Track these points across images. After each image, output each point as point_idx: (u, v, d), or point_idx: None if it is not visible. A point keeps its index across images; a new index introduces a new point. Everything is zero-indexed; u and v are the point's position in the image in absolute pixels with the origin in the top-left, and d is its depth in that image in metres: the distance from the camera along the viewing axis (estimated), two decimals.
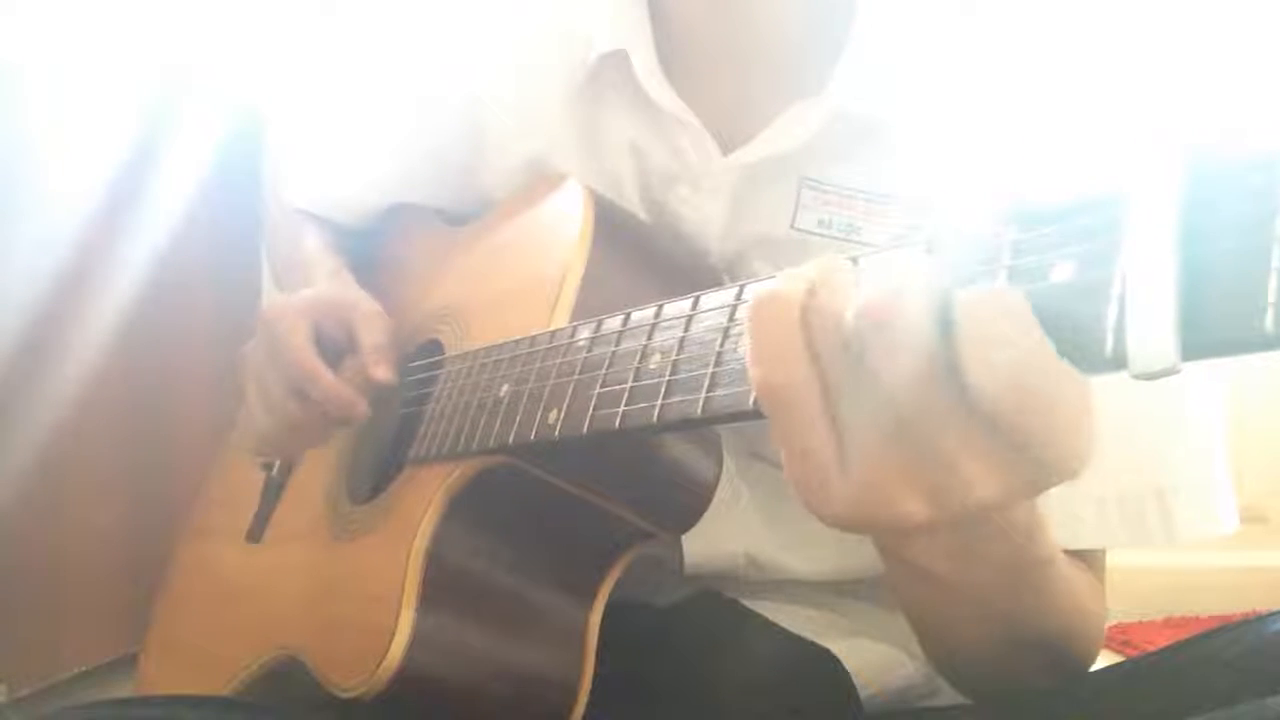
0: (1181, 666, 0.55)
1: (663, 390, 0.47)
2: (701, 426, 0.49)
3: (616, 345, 0.51)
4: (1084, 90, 0.62)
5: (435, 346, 0.72)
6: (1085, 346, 0.33)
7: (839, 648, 0.71)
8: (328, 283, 0.79)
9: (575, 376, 0.53)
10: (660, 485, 0.62)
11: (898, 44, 0.65)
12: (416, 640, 0.58)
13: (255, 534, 0.83)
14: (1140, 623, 1.72)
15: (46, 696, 1.20)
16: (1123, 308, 0.32)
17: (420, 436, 0.65)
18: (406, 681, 0.58)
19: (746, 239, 0.70)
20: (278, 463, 0.84)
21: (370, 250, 0.88)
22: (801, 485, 0.40)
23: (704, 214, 0.70)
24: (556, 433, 0.53)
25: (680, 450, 0.61)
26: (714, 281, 0.53)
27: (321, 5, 1.08)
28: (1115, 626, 1.66)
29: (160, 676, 0.91)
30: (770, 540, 0.72)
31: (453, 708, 0.60)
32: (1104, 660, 0.63)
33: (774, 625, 0.72)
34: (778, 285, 0.39)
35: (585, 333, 0.54)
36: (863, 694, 0.71)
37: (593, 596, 0.63)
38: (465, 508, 0.61)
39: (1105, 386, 0.35)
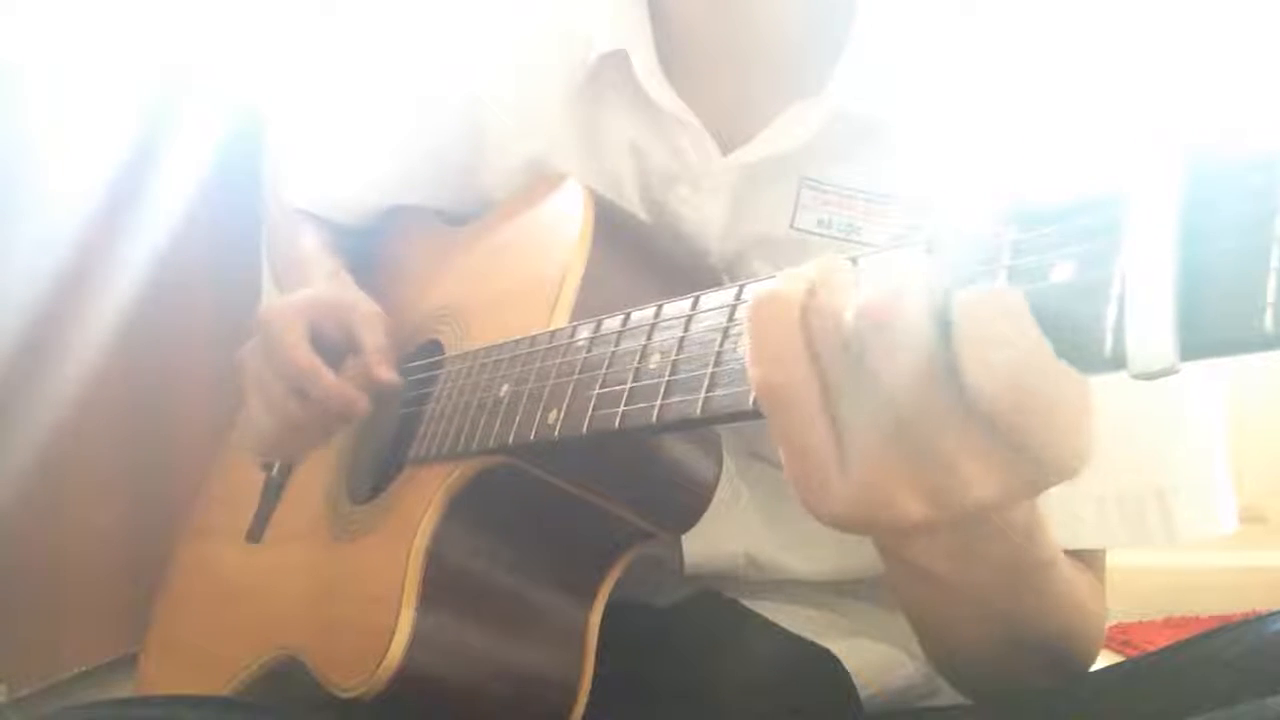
0: (1181, 666, 0.55)
1: (662, 390, 0.47)
2: (701, 426, 0.49)
3: (616, 345, 0.51)
4: (1084, 90, 0.62)
5: (435, 347, 0.72)
6: (1084, 346, 0.33)
7: (839, 648, 0.71)
8: (325, 283, 0.79)
9: (575, 376, 0.53)
10: (660, 485, 0.62)
11: (898, 44, 0.65)
12: (416, 640, 0.58)
13: (255, 534, 0.83)
14: (1140, 623, 1.72)
15: (46, 696, 1.20)
16: (1122, 308, 0.32)
17: (420, 436, 0.65)
18: (406, 681, 0.58)
19: (746, 239, 0.70)
20: (278, 463, 0.84)
21: (370, 250, 0.88)
22: (801, 485, 0.40)
23: (704, 214, 0.70)
24: (556, 433, 0.53)
25: (680, 450, 0.61)
26: (714, 281, 0.53)
27: (321, 5, 1.08)
28: (1115, 626, 1.66)
29: (160, 676, 0.91)
30: (770, 540, 0.72)
31: (453, 708, 0.60)
32: (1104, 660, 0.63)
33: (774, 625, 0.72)
34: (777, 285, 0.39)
35: (585, 333, 0.54)
36: (863, 694, 0.71)
37: (593, 596, 0.63)
38: (465, 508, 0.61)
39: (1105, 386, 0.35)
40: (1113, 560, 0.66)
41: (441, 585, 0.60)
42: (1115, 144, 0.58)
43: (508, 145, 0.76)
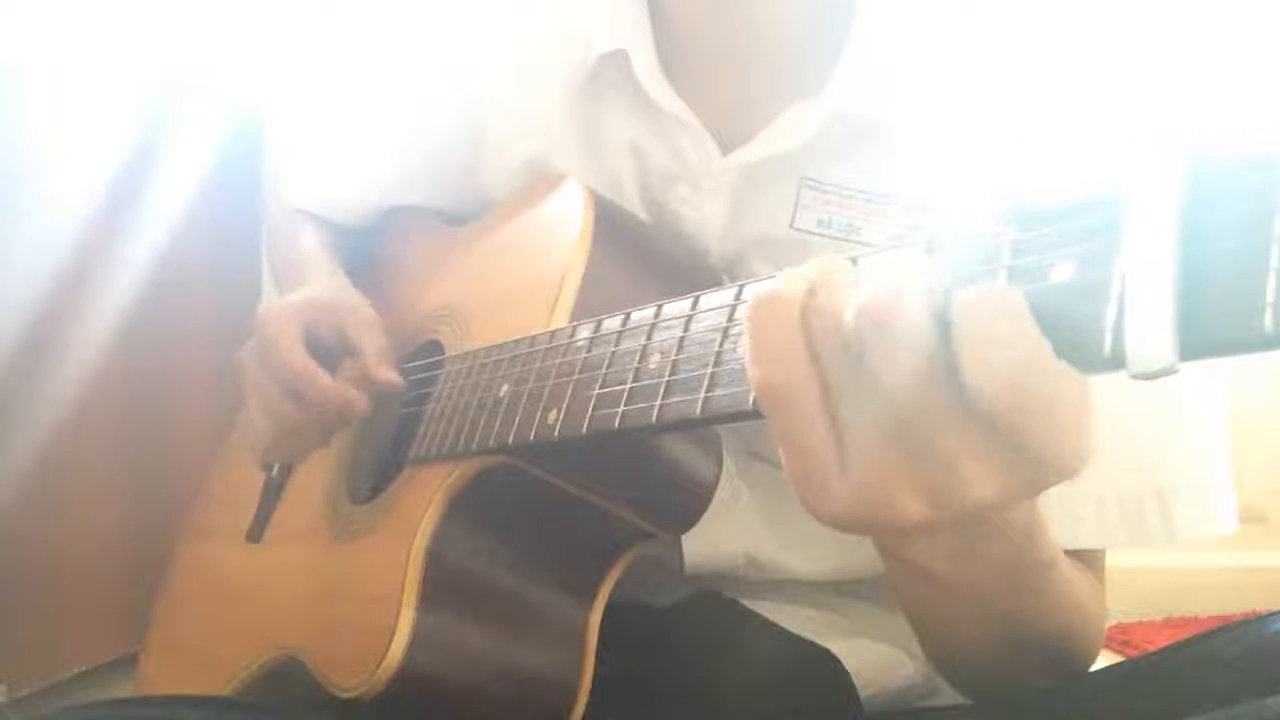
0: (1181, 666, 0.55)
1: (662, 390, 0.47)
2: (701, 426, 0.49)
3: (616, 345, 0.51)
4: (1084, 90, 0.62)
5: (435, 347, 0.72)
6: (1084, 346, 0.33)
7: (839, 648, 0.71)
8: (322, 284, 0.79)
9: (575, 376, 0.53)
10: (660, 485, 0.62)
11: (898, 44, 0.65)
12: (416, 640, 0.58)
13: (255, 534, 0.83)
14: (1140, 623, 1.72)
15: (46, 696, 1.20)
16: (1122, 308, 0.32)
17: (420, 436, 0.65)
18: (406, 681, 0.58)
19: (746, 239, 0.70)
20: (277, 463, 0.84)
21: (370, 250, 0.88)
22: (801, 485, 0.40)
23: (704, 214, 0.70)
24: (556, 433, 0.53)
25: (680, 450, 0.61)
26: (714, 281, 0.53)
27: (321, 5, 1.08)
28: (1115, 626, 1.66)
29: (160, 676, 0.91)
30: (770, 540, 0.72)
31: (453, 708, 0.60)
32: (1104, 660, 0.63)
33: (774, 625, 0.72)
34: (777, 285, 0.39)
35: (585, 333, 0.54)
36: (863, 694, 0.71)
37: (593, 596, 0.63)
38: (465, 508, 0.61)
39: (1105, 386, 0.35)
40: (1113, 560, 0.66)
41: (441, 585, 0.60)
42: (1115, 144, 0.58)
43: (508, 145, 0.76)
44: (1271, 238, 0.29)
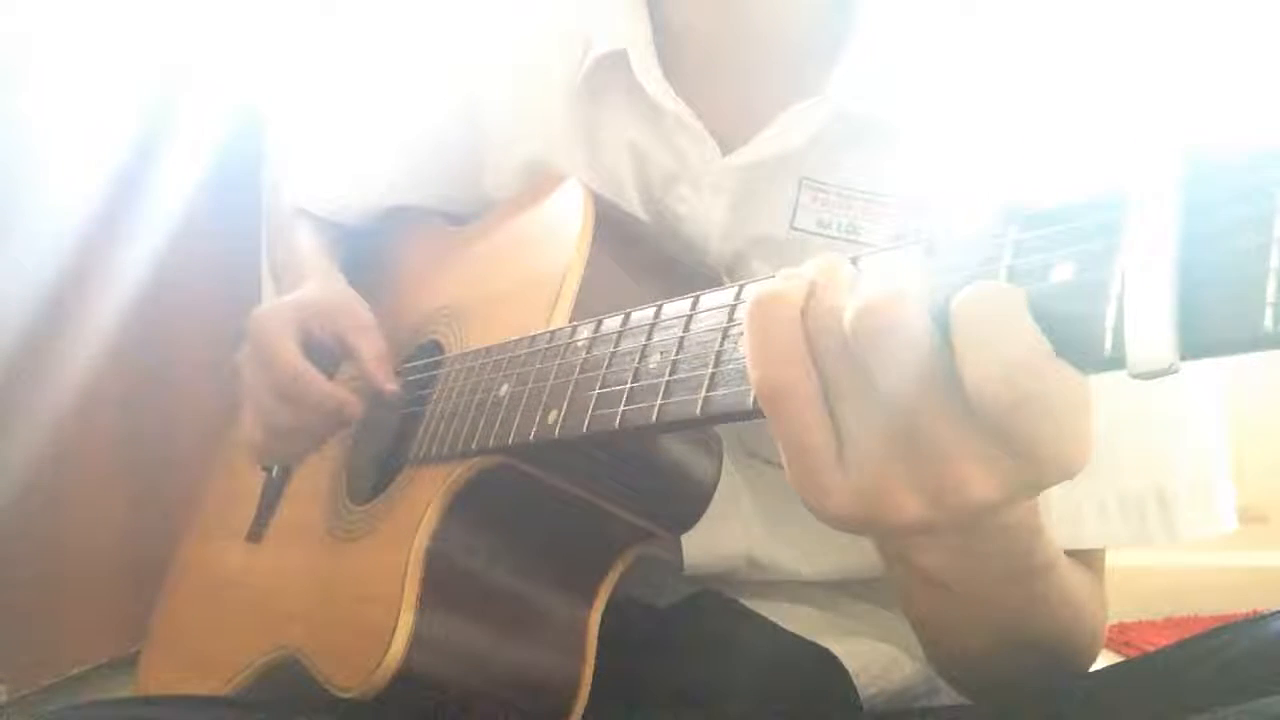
0: (1181, 666, 0.55)
1: (662, 390, 0.47)
2: (701, 426, 0.49)
3: (616, 345, 0.51)
4: (1084, 90, 0.62)
5: (435, 347, 0.72)
6: (1084, 346, 0.33)
7: (839, 648, 0.71)
8: (318, 285, 0.79)
9: (575, 376, 0.53)
10: (660, 485, 0.62)
11: (897, 44, 0.65)
12: (416, 640, 0.58)
13: (256, 534, 0.83)
14: (1140, 623, 1.72)
15: (46, 696, 1.20)
16: (1122, 307, 0.32)
17: (420, 437, 0.65)
18: (406, 681, 0.58)
19: (746, 239, 0.70)
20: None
21: (370, 251, 0.88)
22: (801, 484, 0.40)
23: (704, 214, 0.70)
24: (556, 433, 0.53)
25: (680, 450, 0.61)
26: (714, 281, 0.53)
27: (321, 5, 1.08)
28: (1115, 626, 1.66)
29: (160, 676, 0.91)
30: (770, 540, 0.72)
31: (453, 708, 0.60)
32: (1104, 660, 0.63)
33: (774, 625, 0.72)
34: (777, 285, 0.39)
35: (585, 333, 0.54)
36: (863, 694, 0.71)
37: (593, 596, 0.63)
38: (465, 508, 0.61)
39: (1105, 386, 0.35)
40: (1113, 560, 0.66)
41: (442, 585, 0.60)
42: (1115, 144, 0.58)
43: (508, 145, 0.76)
44: (1271, 238, 0.29)
